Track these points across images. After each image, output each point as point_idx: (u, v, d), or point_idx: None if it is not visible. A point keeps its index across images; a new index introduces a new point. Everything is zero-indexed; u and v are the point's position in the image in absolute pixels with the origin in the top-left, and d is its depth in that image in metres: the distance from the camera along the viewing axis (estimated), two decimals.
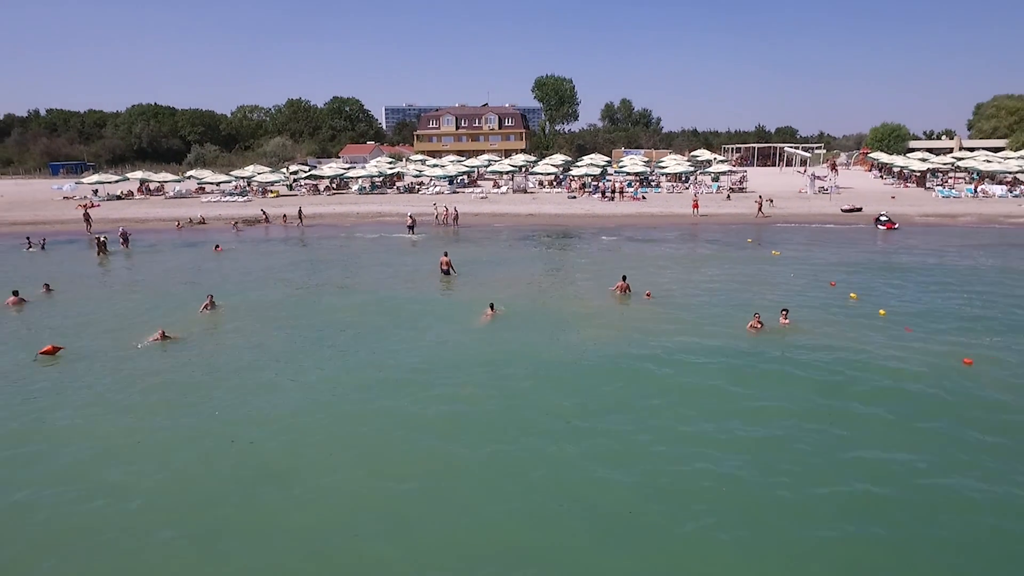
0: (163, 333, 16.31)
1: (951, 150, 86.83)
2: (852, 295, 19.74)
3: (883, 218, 35.23)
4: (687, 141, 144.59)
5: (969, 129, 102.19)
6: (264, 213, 41.80)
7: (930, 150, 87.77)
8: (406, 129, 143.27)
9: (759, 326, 16.00)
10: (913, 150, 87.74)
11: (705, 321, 17.10)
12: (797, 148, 78.65)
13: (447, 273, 23.33)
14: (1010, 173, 51.65)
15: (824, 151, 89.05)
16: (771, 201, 42.56)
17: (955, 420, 11.09)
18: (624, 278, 20.10)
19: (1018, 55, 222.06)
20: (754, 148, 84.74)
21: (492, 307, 17.97)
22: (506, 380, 13.31)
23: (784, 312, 16.52)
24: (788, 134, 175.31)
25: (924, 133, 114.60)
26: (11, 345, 16.13)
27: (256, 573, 7.69)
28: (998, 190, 46.75)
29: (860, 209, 39.45)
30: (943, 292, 20.36)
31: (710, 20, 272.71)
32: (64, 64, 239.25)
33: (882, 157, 65.54)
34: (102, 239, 30.19)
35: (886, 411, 11.54)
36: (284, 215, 41.16)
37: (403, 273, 24.91)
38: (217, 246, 30.75)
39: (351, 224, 40.63)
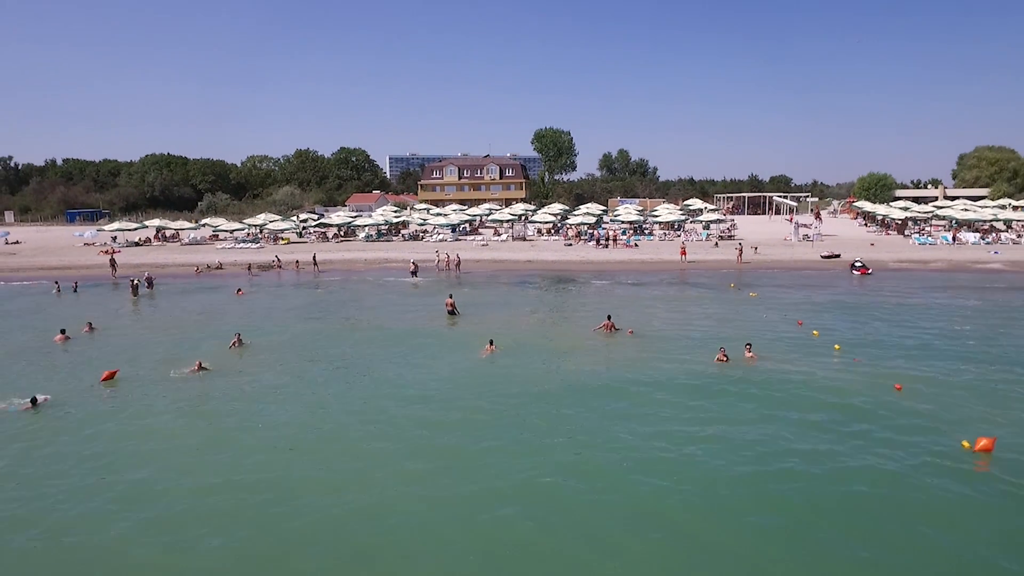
0: (200, 364, 18.63)
1: (935, 199, 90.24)
2: (815, 332, 22.06)
3: (858, 264, 37.84)
4: (683, 190, 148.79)
5: (953, 179, 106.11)
6: (277, 259, 44.57)
7: (915, 199, 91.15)
8: (410, 178, 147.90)
9: (724, 358, 18.29)
10: (899, 199, 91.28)
11: (679, 354, 19.40)
12: (785, 197, 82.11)
13: (452, 313, 25.74)
14: (985, 221, 54.60)
15: (811, 199, 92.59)
16: (755, 249, 45.30)
17: (872, 426, 13.32)
18: (609, 317, 22.49)
19: (998, 108, 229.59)
20: (745, 197, 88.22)
21: (491, 343, 20.30)
22: (503, 399, 15.56)
23: (748, 346, 18.84)
24: (782, 182, 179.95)
25: (912, 182, 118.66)
26: (74, 373, 18.43)
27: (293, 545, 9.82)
28: (971, 237, 49.56)
29: (838, 256, 42.10)
30: (897, 328, 22.71)
31: (708, 71, 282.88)
32: (81, 115, 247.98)
33: (866, 206, 68.77)
34: (135, 282, 32.78)
35: (817, 420, 13.80)
36: (296, 261, 43.91)
37: (410, 313, 27.33)
38: (239, 290, 33.31)
39: (359, 269, 43.29)
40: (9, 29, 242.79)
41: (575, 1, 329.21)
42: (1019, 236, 49.92)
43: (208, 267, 44.03)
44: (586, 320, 24.43)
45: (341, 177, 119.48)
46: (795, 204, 74.77)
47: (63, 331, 23.06)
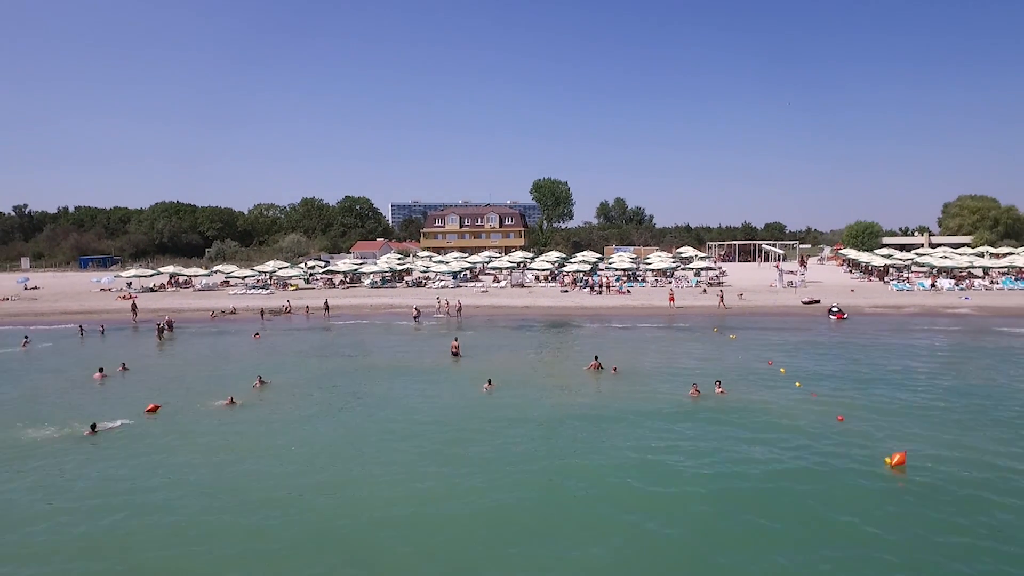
0: (231, 399, 21.04)
1: (921, 246, 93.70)
2: (782, 370, 24.50)
3: (834, 309, 40.45)
4: (679, 237, 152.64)
5: (939, 227, 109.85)
6: (288, 304, 47.22)
7: (901, 246, 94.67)
8: (412, 226, 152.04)
9: (697, 393, 20.71)
10: (885, 246, 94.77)
11: (657, 389, 21.82)
12: (774, 245, 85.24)
13: (456, 355, 28.22)
14: (961, 268, 57.50)
15: (801, 246, 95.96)
16: (741, 295, 48.01)
17: (812, 443, 15.68)
18: (596, 358, 24.98)
19: (980, 158, 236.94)
20: (736, 245, 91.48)
21: (490, 381, 22.73)
22: (498, 427, 17.93)
23: (718, 382, 21.28)
24: (776, 229, 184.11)
25: (900, 229, 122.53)
26: (119, 406, 20.79)
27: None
28: (948, 284, 52.32)
29: (818, 301, 44.75)
30: (856, 366, 25.16)
31: (703, 119, 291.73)
32: (93, 164, 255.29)
33: (850, 253, 71.84)
34: (161, 326, 35.38)
35: (766, 438, 16.19)
36: (307, 306, 46.56)
37: (416, 355, 29.80)
38: (256, 334, 35.87)
39: (366, 314, 45.88)
40: (19, 75, 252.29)
41: (577, 50, 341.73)
42: (992, 282, 52.64)
43: (223, 312, 46.64)
44: (578, 360, 26.90)
45: (345, 225, 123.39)
46: (782, 252, 77.84)
47: (101, 369, 25.51)
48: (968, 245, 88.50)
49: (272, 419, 19.30)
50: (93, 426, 17.67)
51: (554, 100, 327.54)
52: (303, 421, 19.08)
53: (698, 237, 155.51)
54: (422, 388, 22.94)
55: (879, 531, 11.61)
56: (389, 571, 11.06)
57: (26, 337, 34.95)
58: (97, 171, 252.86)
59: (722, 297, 44.76)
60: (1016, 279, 52.48)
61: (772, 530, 11.79)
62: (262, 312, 45.27)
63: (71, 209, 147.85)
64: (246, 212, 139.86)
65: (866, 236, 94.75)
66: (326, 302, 45.82)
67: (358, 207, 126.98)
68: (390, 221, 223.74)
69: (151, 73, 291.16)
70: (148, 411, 19.67)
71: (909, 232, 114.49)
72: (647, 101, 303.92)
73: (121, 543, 11.82)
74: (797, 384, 22.13)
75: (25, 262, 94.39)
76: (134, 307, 44.29)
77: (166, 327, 37.15)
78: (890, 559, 10.72)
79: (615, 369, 24.35)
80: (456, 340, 29.06)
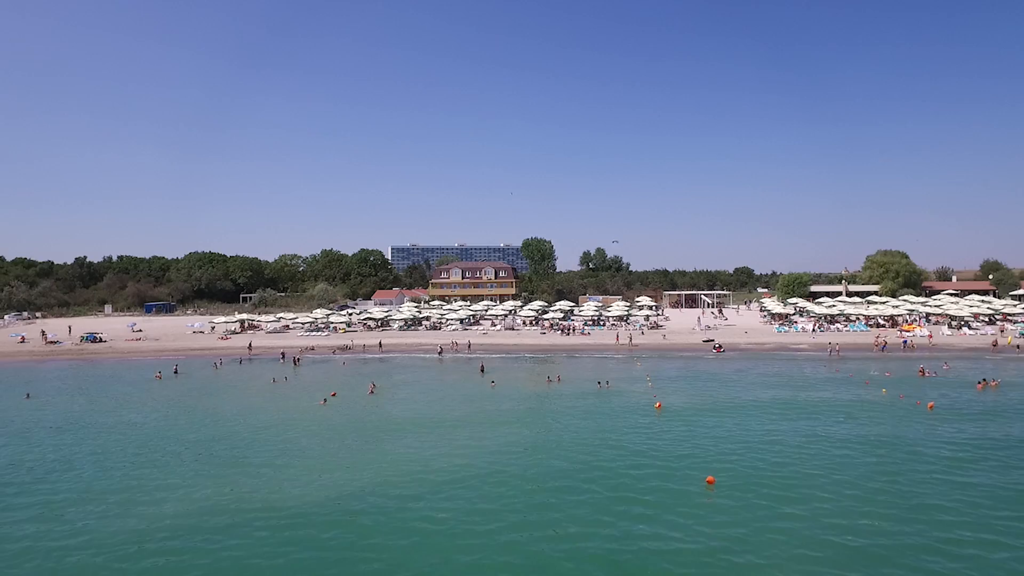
0: (373, 387, 42.94)
1: (840, 293, 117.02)
2: (647, 378, 46.57)
3: (716, 345, 62.82)
4: (655, 279, 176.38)
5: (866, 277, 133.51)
6: (352, 343, 69.18)
7: (827, 293, 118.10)
8: (416, 272, 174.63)
9: (599, 387, 42.79)
10: (813, 293, 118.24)
11: (582, 386, 43.85)
12: (711, 294, 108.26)
13: (482, 371, 50.24)
14: (833, 316, 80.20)
15: (731, 295, 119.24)
16: (664, 336, 70.41)
17: (642, 437, 37.67)
18: (552, 375, 47.16)
19: (894, 213, 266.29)
20: (682, 295, 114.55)
21: (493, 382, 44.78)
22: (498, 401, 39.81)
23: (607, 382, 43.37)
24: (745, 273, 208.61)
25: (830, 278, 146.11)
26: (313, 394, 42.48)
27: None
28: (810, 326, 75.00)
29: (712, 340, 67.08)
30: (697, 378, 47.25)
31: (684, 169, 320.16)
32: (130, 215, 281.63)
33: (766, 302, 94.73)
34: (297, 358, 57.42)
35: (609, 426, 38.15)
36: (363, 344, 68.53)
37: (449, 372, 51.79)
38: (344, 362, 57.82)
39: (403, 350, 67.78)
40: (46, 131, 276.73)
41: (570, 97, 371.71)
42: (844, 326, 75.38)
43: (303, 349, 68.41)
44: (543, 374, 48.97)
45: (361, 274, 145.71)
46: (709, 300, 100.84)
47: (274, 380, 47.34)
48: (876, 293, 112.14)
49: (402, 398, 41.17)
50: (324, 400, 39.57)
51: (544, 148, 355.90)
52: (410, 400, 40.95)
53: (672, 281, 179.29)
54: (465, 387, 44.94)
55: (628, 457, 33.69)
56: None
57: (175, 366, 56.76)
58: (136, 221, 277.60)
59: (631, 337, 67.25)
60: (858, 324, 75.29)
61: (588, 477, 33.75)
62: (335, 349, 67.21)
63: (114, 258, 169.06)
64: (271, 260, 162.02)
65: (796, 285, 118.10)
66: (380, 342, 67.93)
67: (372, 258, 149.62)
68: (389, 258, 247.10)
69: (159, 120, 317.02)
70: (331, 395, 41.51)
71: (837, 281, 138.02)
72: (628, 141, 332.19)
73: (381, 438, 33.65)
74: (657, 406, 44.12)
75: (108, 308, 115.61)
76: (250, 345, 66.18)
77: (281, 357, 58.96)
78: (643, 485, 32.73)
79: (559, 378, 46.53)
80: (482, 364, 51.32)
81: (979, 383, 41.43)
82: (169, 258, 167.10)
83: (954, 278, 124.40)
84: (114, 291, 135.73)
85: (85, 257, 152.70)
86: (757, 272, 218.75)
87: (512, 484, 23.22)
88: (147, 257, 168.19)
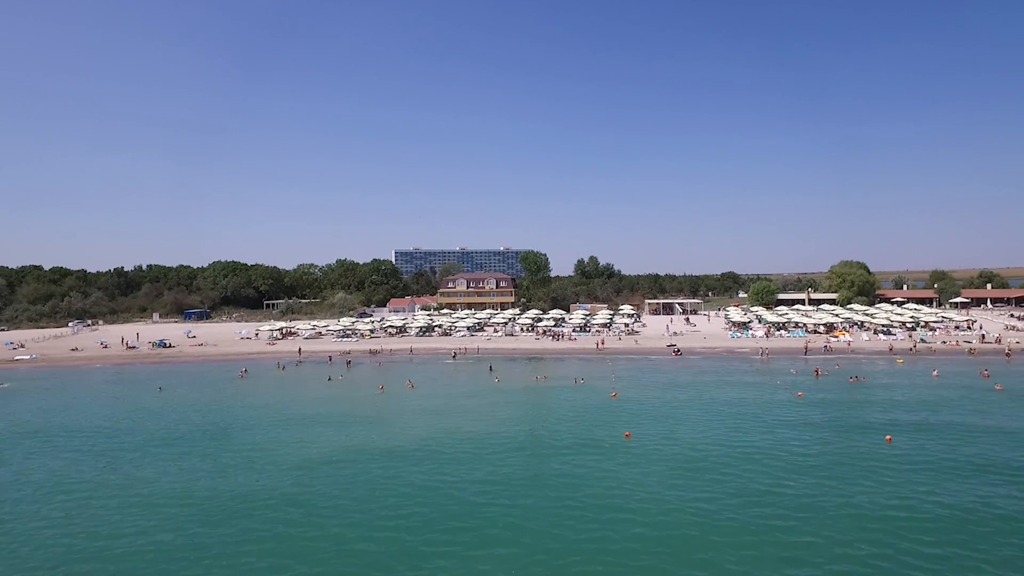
0: (411, 383, 59.63)
1: (804, 301, 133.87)
2: (613, 375, 63.17)
3: (675, 348, 79.42)
4: (647, 284, 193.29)
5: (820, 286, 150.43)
6: (382, 348, 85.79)
7: (792, 301, 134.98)
8: (422, 279, 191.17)
9: (575, 382, 59.47)
10: (780, 301, 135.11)
11: (560, 382, 60.48)
12: (685, 303, 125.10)
13: (491, 369, 66.85)
14: (780, 322, 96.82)
15: (703, 303, 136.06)
16: (637, 341, 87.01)
17: (590, 415, 54.30)
18: (540, 374, 63.80)
19: (894, 214, 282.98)
20: (660, 303, 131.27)
21: (496, 378, 61.42)
22: (500, 386, 56.42)
23: (582, 379, 60.04)
24: (730, 278, 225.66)
25: (792, 287, 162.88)
26: (363, 388, 59.09)
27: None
28: (760, 332, 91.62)
29: (673, 345, 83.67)
30: (653, 376, 63.84)
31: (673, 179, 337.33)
32: (158, 226, 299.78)
33: (731, 312, 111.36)
34: (349, 360, 74.05)
35: (564, 406, 54.81)
36: (391, 349, 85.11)
37: (462, 371, 68.38)
38: (380, 363, 74.43)
39: (423, 353, 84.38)
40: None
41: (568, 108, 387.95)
42: (787, 331, 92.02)
43: (342, 353, 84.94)
44: (536, 373, 65.58)
45: (374, 282, 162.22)
46: (688, 308, 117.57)
47: (329, 378, 64.01)
48: (834, 301, 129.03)
49: (432, 392, 57.78)
50: (381, 386, 56.23)
51: (544, 154, 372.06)
52: (440, 392, 57.51)
53: (661, 286, 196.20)
54: (476, 382, 61.55)
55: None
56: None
57: (244, 368, 73.33)
58: (164, 231, 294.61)
59: (601, 343, 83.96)
60: (796, 330, 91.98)
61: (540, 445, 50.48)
62: (370, 351, 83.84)
63: (144, 267, 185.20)
64: (282, 266, 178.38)
65: (764, 293, 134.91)
66: (411, 348, 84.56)
67: (383, 267, 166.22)
68: (393, 261, 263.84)
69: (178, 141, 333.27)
70: (380, 389, 58.06)
71: (802, 288, 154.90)
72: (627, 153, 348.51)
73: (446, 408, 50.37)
74: (613, 394, 60.68)
75: (156, 316, 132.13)
76: (300, 351, 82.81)
77: (350, 360, 75.60)
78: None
79: (545, 377, 63.19)
80: (491, 365, 68.00)
81: (851, 379, 58.09)
82: (195, 267, 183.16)
83: (905, 287, 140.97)
84: (151, 299, 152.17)
85: (122, 267, 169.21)
86: (754, 273, 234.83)
87: (509, 438, 39.81)
88: (174, 266, 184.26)
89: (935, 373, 59.84)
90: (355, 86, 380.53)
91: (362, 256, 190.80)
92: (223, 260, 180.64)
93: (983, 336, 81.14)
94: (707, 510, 26.92)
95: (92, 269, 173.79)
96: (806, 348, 78.18)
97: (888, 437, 37.60)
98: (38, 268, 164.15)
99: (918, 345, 78.48)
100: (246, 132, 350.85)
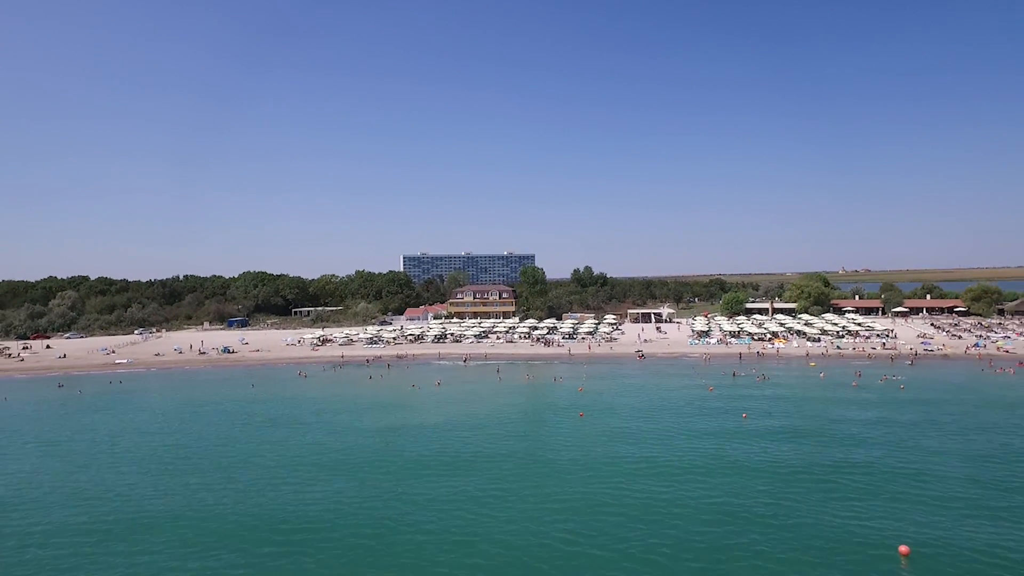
0: (439, 382, 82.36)
1: (767, 310, 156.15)
2: (580, 388, 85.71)
3: (640, 354, 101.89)
4: (638, 290, 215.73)
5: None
6: (407, 353, 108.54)
7: (758, 310, 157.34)
8: (432, 287, 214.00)
9: (552, 380, 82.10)
10: (749, 310, 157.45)
11: (543, 382, 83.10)
12: (659, 312, 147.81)
13: (498, 371, 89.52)
14: (735, 331, 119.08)
15: (678, 311, 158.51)
16: (611, 347, 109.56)
17: (560, 405, 76.88)
18: (530, 375, 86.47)
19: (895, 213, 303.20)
20: (640, 313, 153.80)
21: (500, 377, 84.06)
22: (504, 383, 79.03)
23: (560, 377, 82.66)
24: (716, 284, 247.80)
25: (774, 292, 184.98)
26: (400, 384, 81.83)
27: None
28: (714, 340, 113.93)
29: (640, 351, 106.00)
30: (616, 380, 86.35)
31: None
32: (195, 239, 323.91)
33: (696, 322, 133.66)
34: (388, 364, 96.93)
35: (534, 405, 77.46)
36: (413, 354, 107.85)
37: (471, 372, 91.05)
38: (407, 366, 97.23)
39: (440, 358, 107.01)
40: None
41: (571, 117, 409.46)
42: (737, 339, 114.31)
43: (374, 358, 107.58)
44: (522, 373, 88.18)
45: (390, 292, 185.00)
46: (663, 317, 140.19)
47: (370, 377, 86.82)
48: (794, 310, 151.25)
49: (462, 390, 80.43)
50: (413, 385, 79.01)
51: (547, 162, 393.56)
52: (458, 387, 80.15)
53: (652, 292, 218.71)
54: (485, 381, 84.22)
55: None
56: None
57: (300, 370, 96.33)
58: (201, 243, 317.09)
59: (569, 349, 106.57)
60: (744, 338, 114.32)
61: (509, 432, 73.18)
62: (399, 356, 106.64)
63: (180, 277, 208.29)
64: (314, 279, 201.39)
65: (734, 303, 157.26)
66: (439, 353, 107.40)
67: (399, 279, 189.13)
68: (401, 267, 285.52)
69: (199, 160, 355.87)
70: (412, 387, 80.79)
71: (771, 297, 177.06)
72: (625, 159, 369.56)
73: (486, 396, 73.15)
74: (580, 388, 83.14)
75: (206, 324, 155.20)
76: (343, 356, 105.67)
77: (389, 363, 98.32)
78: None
79: (532, 376, 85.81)
80: (498, 367, 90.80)
81: (758, 377, 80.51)
82: (227, 276, 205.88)
83: (856, 297, 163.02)
84: (194, 307, 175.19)
85: (165, 280, 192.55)
86: (754, 273, 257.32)
87: (509, 415, 62.43)
88: (208, 276, 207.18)
89: (822, 375, 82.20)
90: (374, 96, 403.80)
91: (372, 259, 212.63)
92: (252, 271, 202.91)
93: (883, 344, 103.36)
94: (616, 456, 49.48)
95: (92, 275, 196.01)
96: (740, 355, 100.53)
97: (744, 415, 60.06)
98: (104, 280, 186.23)
99: (830, 350, 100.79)
100: (246, 132, 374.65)
